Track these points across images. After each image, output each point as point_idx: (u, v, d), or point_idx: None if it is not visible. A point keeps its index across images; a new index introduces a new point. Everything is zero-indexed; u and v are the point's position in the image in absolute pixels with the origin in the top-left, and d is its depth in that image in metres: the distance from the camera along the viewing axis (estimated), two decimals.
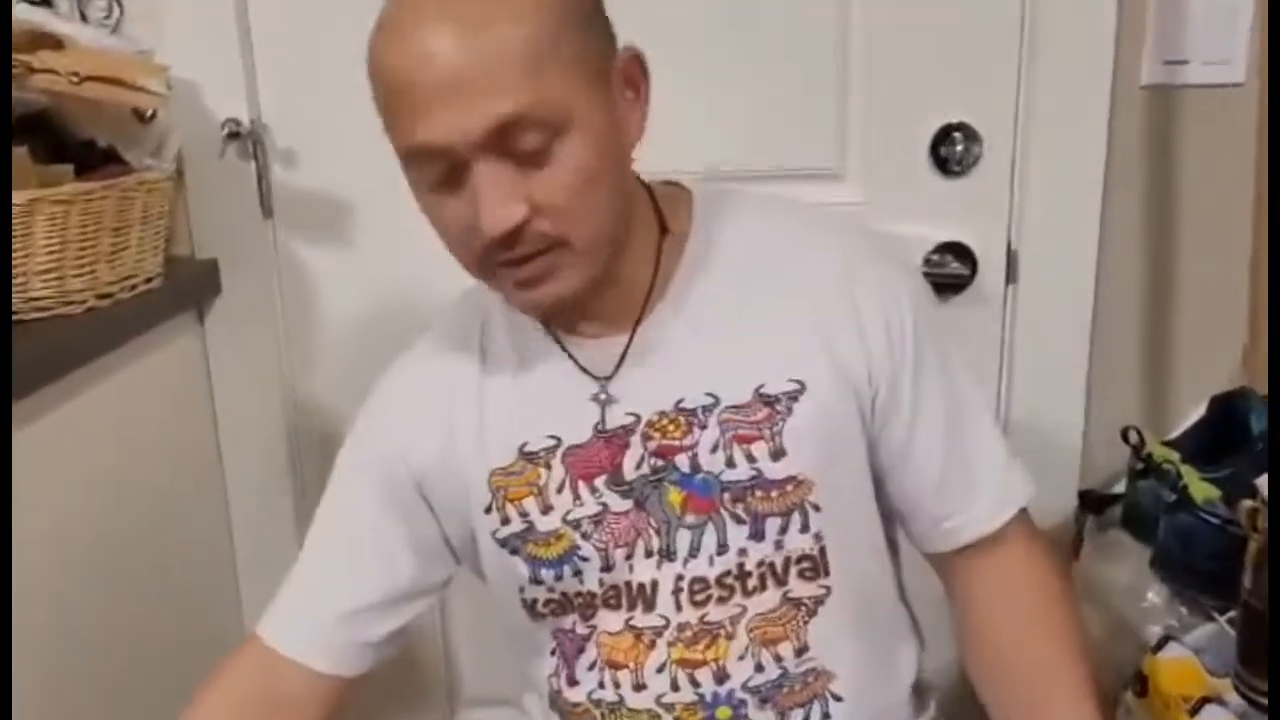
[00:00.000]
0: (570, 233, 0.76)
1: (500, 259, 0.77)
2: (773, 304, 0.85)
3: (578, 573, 0.88)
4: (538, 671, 0.96)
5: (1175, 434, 1.16)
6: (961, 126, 1.30)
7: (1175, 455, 1.07)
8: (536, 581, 0.89)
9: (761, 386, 0.84)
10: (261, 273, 1.41)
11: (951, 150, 1.30)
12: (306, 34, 1.34)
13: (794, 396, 0.84)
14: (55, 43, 1.14)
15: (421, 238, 1.36)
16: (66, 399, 1.13)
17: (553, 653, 0.94)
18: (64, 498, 1.14)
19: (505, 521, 0.88)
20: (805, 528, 0.85)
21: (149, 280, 1.25)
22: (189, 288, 1.38)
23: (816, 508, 0.85)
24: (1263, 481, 0.90)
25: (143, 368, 1.28)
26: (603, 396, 0.86)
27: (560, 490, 0.87)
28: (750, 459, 0.84)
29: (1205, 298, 1.32)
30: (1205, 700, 0.96)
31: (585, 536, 0.87)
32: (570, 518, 0.87)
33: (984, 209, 1.32)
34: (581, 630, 0.91)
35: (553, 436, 0.87)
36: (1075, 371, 1.33)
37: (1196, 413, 1.18)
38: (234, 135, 1.34)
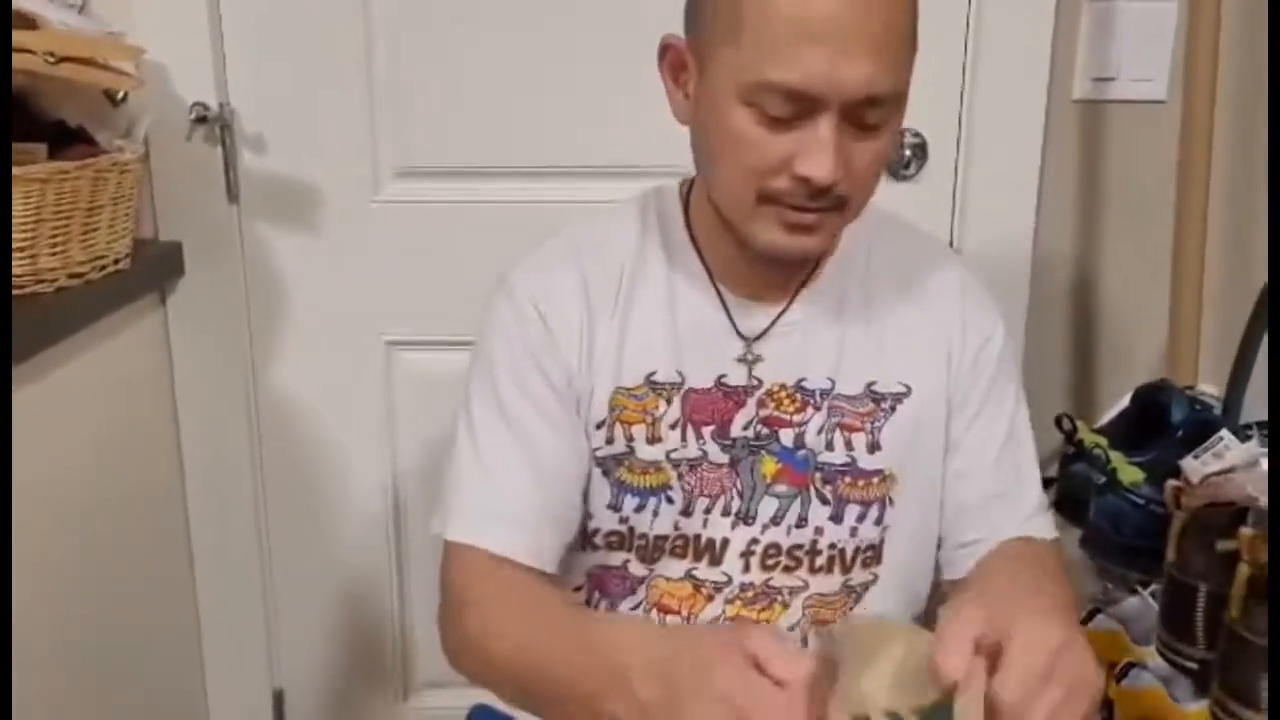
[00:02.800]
0: (854, 199, 0.82)
1: (795, 203, 0.80)
2: (897, 308, 0.93)
3: (656, 512, 0.91)
4: None
5: (1102, 422, 1.25)
6: (909, 131, 1.38)
7: (1104, 441, 1.16)
8: (614, 508, 0.92)
9: (874, 383, 0.92)
10: (226, 257, 1.42)
11: (900, 154, 1.38)
12: (277, 17, 1.36)
13: (899, 398, 0.92)
14: (29, 22, 1.14)
15: (388, 225, 1.42)
16: (33, 379, 1.12)
17: (579, 588, 0.96)
18: (27, 476, 1.13)
19: (609, 441, 0.91)
20: (879, 521, 0.93)
21: (118, 261, 1.26)
22: (152, 270, 1.38)
23: (892, 502, 0.93)
24: (1186, 462, 0.98)
25: (108, 349, 1.28)
26: (749, 357, 0.91)
27: (673, 427, 0.91)
28: (849, 446, 0.91)
29: (1129, 297, 1.42)
30: (1130, 665, 1.05)
31: (680, 477, 0.91)
32: (674, 456, 0.91)
33: (929, 211, 1.39)
34: (639, 572, 0.94)
35: (679, 373, 0.91)
36: None
37: (1120, 403, 1.27)
38: (201, 119, 1.35)
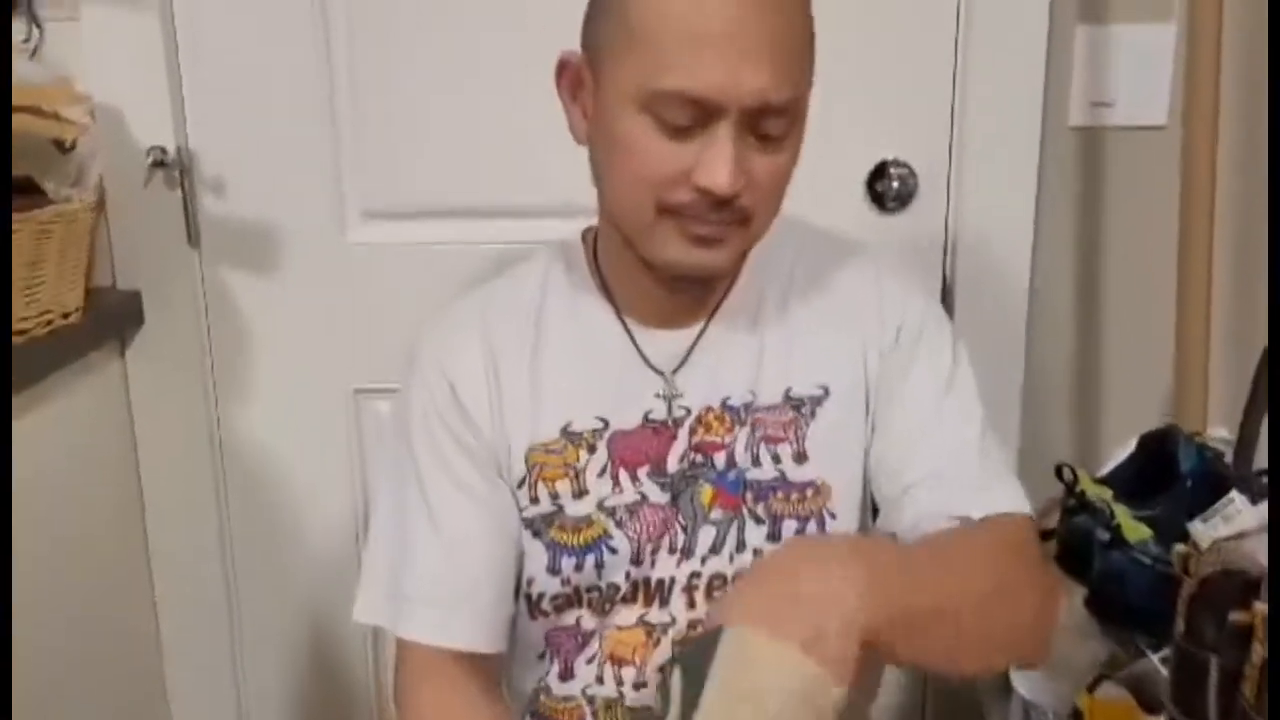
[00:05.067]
0: (758, 214, 0.80)
1: (694, 213, 0.78)
2: (810, 312, 0.90)
3: (600, 565, 0.88)
4: (520, 680, 0.95)
5: (1105, 470, 1.18)
6: (897, 163, 1.31)
7: (1108, 493, 1.09)
8: (553, 571, 0.88)
9: (790, 390, 0.88)
10: (186, 303, 1.37)
11: (888, 186, 1.32)
12: (237, 57, 1.31)
13: (818, 401, 0.88)
14: None
15: (355, 268, 1.37)
16: None
17: (541, 656, 0.93)
18: None
19: (534, 501, 0.88)
20: None
21: (67, 315, 1.21)
22: (110, 320, 1.33)
23: (833, 515, 0.88)
24: (1194, 525, 0.91)
25: (61, 405, 1.24)
26: (666, 393, 0.88)
27: (600, 475, 0.87)
28: (775, 460, 0.87)
29: (1133, 335, 1.35)
30: None
31: (619, 525, 0.87)
32: (606, 504, 0.87)
33: (919, 244, 1.33)
34: (590, 625, 0.90)
35: (601, 419, 0.88)
36: (1008, 406, 1.34)
37: (1125, 449, 1.20)
38: (159, 163, 1.30)
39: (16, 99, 1.10)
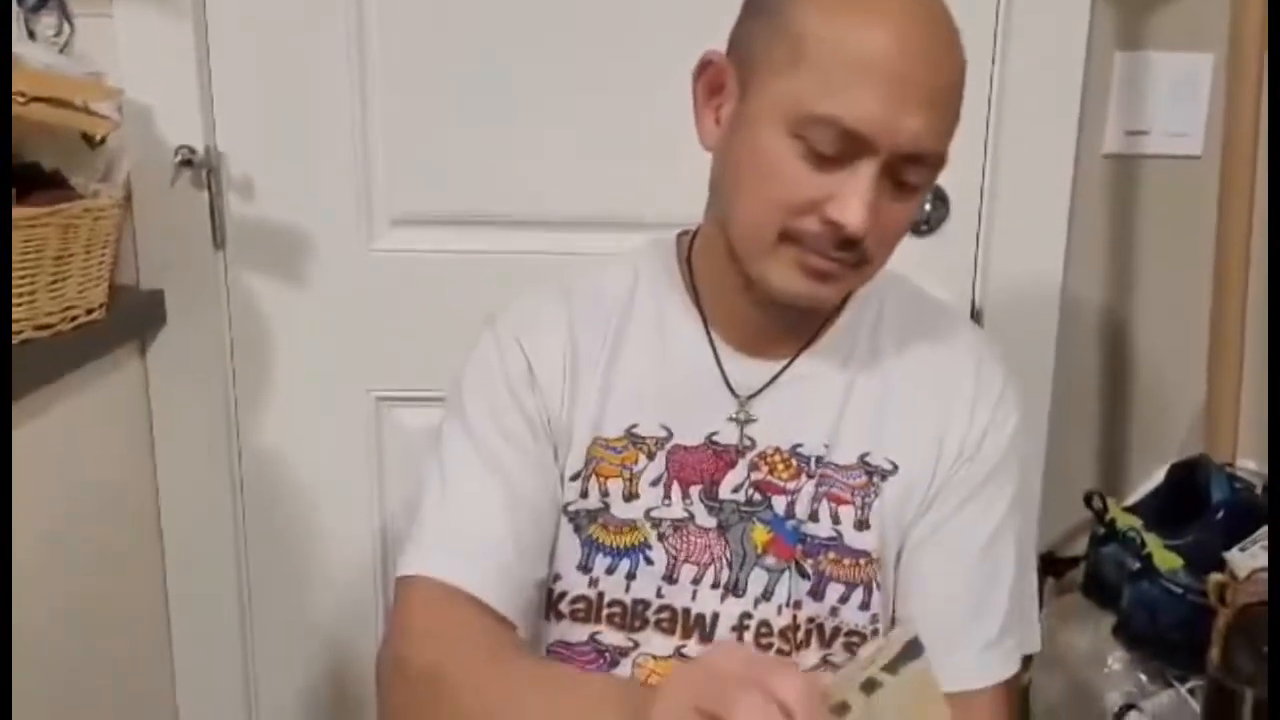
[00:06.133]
0: (875, 258, 0.80)
1: (818, 247, 0.77)
2: (902, 379, 0.88)
3: (632, 575, 0.86)
4: None
5: (1134, 499, 1.17)
6: None
7: (1138, 522, 1.08)
8: (584, 569, 0.86)
9: (866, 455, 0.86)
10: (210, 305, 1.35)
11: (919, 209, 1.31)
12: (268, 57, 1.30)
13: (885, 475, 0.86)
14: None
15: (382, 275, 1.36)
16: None
17: None
18: None
19: (584, 495, 0.87)
20: (865, 605, 0.86)
21: (90, 311, 1.20)
22: (131, 319, 1.32)
23: (879, 587, 0.86)
24: (1231, 554, 0.90)
25: (81, 402, 1.22)
26: (740, 416, 0.87)
27: (654, 484, 0.86)
28: (835, 520, 0.86)
29: (1163, 364, 1.34)
30: None
31: (661, 538, 0.86)
32: (652, 514, 0.86)
33: (950, 268, 1.32)
34: (617, 641, 0.87)
35: (665, 428, 0.87)
36: (1034, 431, 1.33)
37: (1153, 478, 1.19)
38: (187, 163, 1.30)
39: (45, 90, 1.09)
